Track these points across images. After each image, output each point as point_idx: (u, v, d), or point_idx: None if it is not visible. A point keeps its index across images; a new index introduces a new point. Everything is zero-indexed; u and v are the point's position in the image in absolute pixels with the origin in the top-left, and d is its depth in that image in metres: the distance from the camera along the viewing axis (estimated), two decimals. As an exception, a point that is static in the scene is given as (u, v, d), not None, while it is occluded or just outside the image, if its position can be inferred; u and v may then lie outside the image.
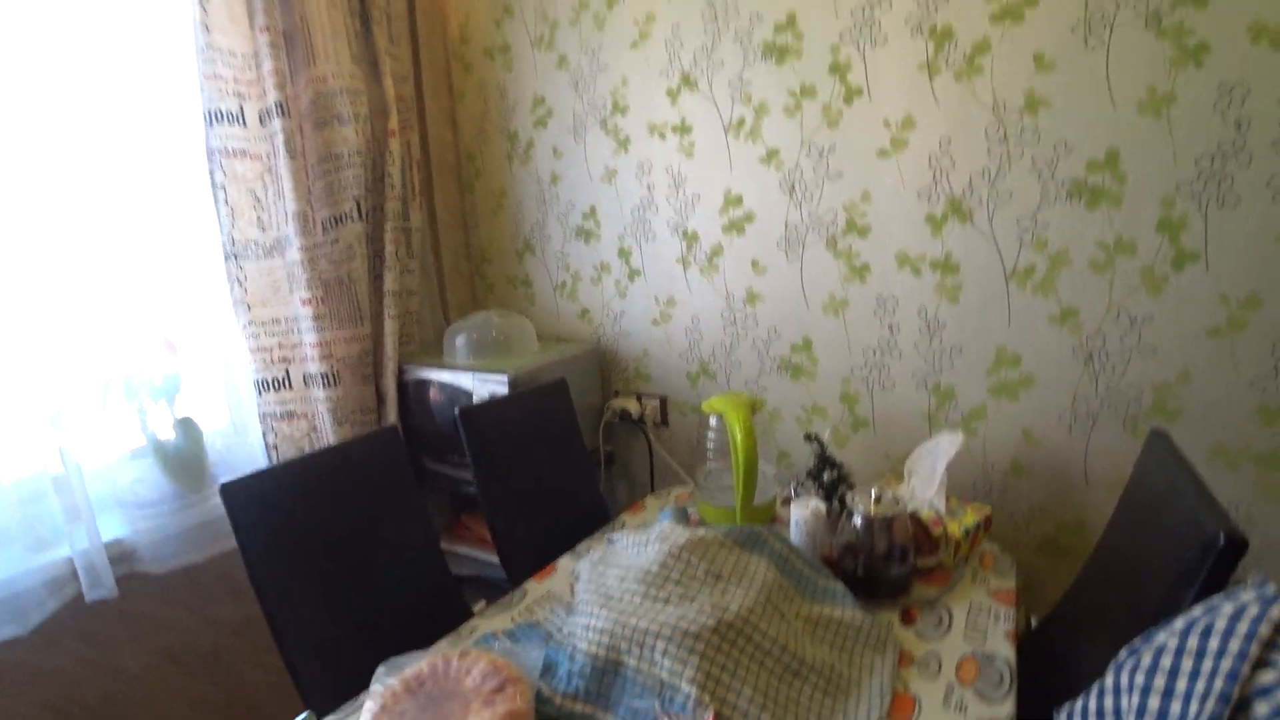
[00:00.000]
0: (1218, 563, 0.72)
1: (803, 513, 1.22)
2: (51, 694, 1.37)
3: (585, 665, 0.93)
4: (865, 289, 1.53)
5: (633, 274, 1.86)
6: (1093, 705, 0.59)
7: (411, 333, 1.94)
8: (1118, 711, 0.55)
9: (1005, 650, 0.98)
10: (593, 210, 1.89)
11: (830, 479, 1.34)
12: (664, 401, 1.89)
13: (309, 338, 1.67)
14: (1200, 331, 1.26)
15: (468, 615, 1.33)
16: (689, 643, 0.90)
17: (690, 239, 1.73)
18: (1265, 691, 0.47)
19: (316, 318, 1.66)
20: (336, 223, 1.74)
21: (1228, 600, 0.54)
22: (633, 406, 1.90)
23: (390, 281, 1.81)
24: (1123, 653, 0.61)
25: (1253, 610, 0.51)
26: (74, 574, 1.34)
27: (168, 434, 1.54)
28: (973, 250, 1.41)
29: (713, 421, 1.41)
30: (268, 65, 1.56)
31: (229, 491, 1.10)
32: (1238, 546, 0.71)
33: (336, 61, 1.67)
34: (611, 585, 1.04)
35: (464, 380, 1.73)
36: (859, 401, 1.60)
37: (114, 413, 1.50)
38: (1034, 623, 1.22)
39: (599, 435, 1.94)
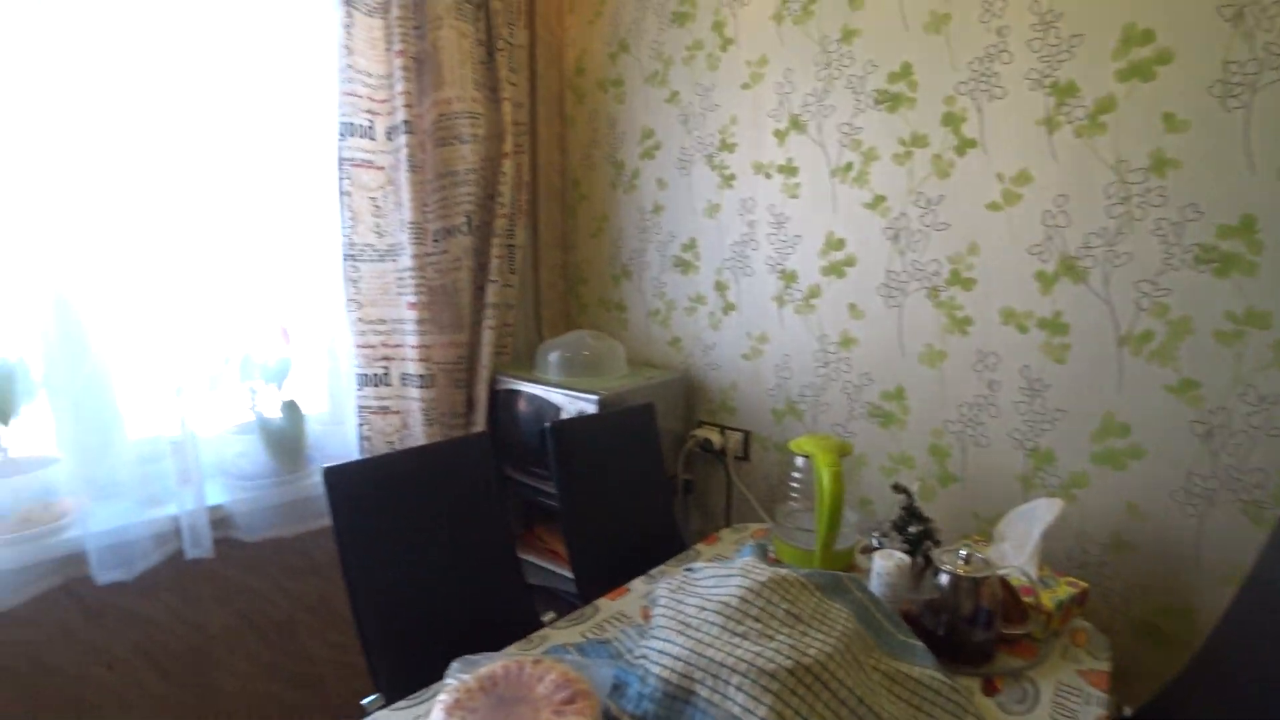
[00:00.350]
0: None
1: (886, 564, 1.22)
2: (142, 638, 1.52)
3: (656, 690, 0.94)
4: (965, 342, 1.51)
5: (728, 307, 1.89)
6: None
7: (506, 344, 2.03)
8: None
9: None
10: (693, 242, 1.94)
11: (916, 533, 1.32)
12: (747, 436, 1.91)
13: (411, 340, 1.78)
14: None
15: (538, 624, 1.38)
16: (764, 681, 0.90)
17: (788, 278, 1.76)
18: None
19: (420, 322, 1.77)
20: (447, 234, 1.86)
21: None
22: (715, 438, 1.92)
23: (491, 294, 1.91)
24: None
25: None
26: (177, 532, 1.49)
27: (274, 414, 1.68)
28: (1084, 311, 1.37)
29: (799, 462, 1.42)
30: (399, 86, 1.70)
31: (332, 475, 1.19)
32: None
33: (461, 86, 1.80)
34: (690, 613, 1.05)
35: (554, 396, 1.80)
36: (950, 456, 1.57)
37: (229, 390, 1.65)
38: (1127, 712, 1.17)
39: (679, 463, 1.97)
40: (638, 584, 1.34)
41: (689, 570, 1.25)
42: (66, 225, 1.35)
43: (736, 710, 0.88)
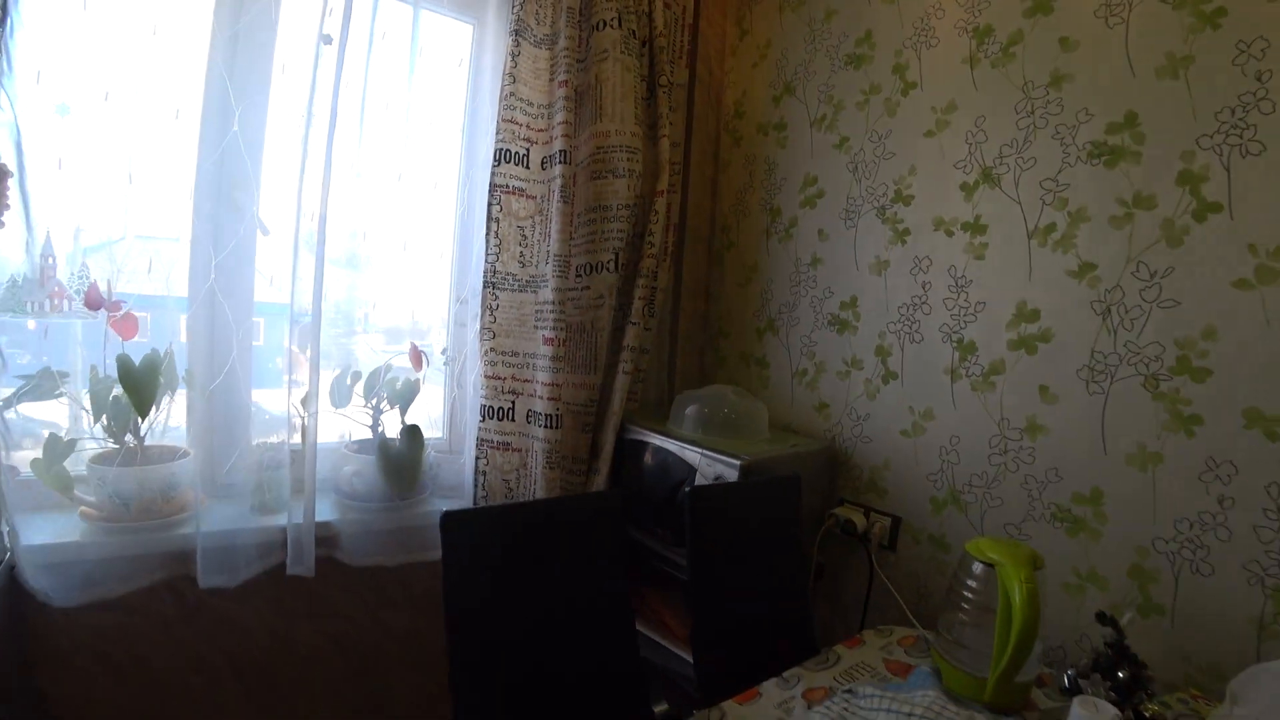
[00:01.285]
0: None
1: (1090, 716, 1.02)
2: (232, 645, 1.55)
3: None
4: (1191, 445, 1.28)
5: (888, 376, 1.74)
6: None
7: (636, 392, 1.98)
8: None
9: None
10: (853, 300, 1.81)
11: (1125, 678, 1.11)
12: (897, 523, 1.73)
13: (542, 376, 1.76)
14: None
15: (648, 712, 1.28)
16: None
17: (965, 349, 1.59)
18: None
19: (554, 358, 1.75)
20: (592, 270, 1.84)
21: None
22: (859, 520, 1.75)
23: (630, 337, 1.87)
24: None
25: None
26: (283, 544, 1.50)
27: (394, 437, 1.69)
28: None
29: (976, 569, 1.25)
30: (559, 116, 1.71)
31: (451, 521, 1.15)
32: None
33: (621, 120, 1.80)
34: None
35: (689, 454, 1.70)
36: (1158, 581, 1.32)
37: (353, 406, 1.68)
38: None
39: (815, 543, 1.82)
40: (770, 687, 1.20)
41: (850, 694, 1.10)
42: (223, 223, 1.44)
43: None
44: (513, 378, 1.79)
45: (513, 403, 1.79)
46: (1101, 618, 1.18)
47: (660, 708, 1.32)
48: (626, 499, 1.37)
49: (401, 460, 1.68)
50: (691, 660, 1.39)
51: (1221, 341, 1.25)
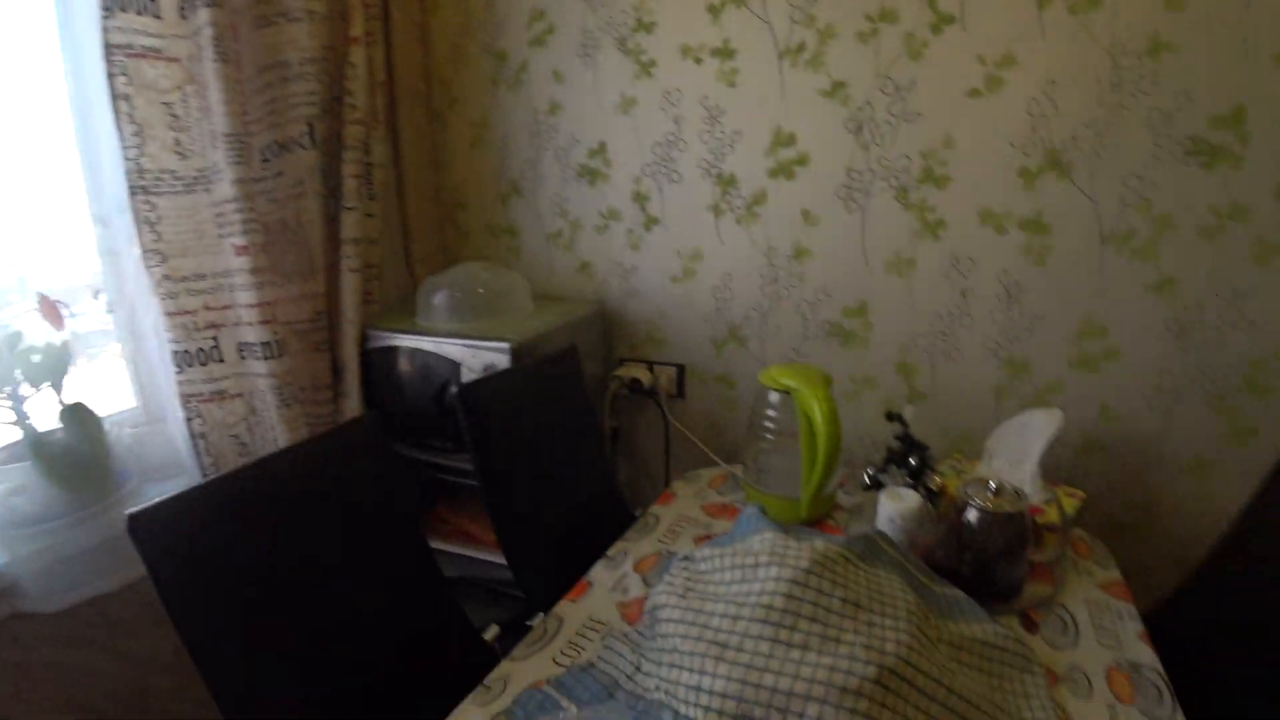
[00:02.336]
0: None
1: (897, 506, 1.14)
2: None
3: None
4: (938, 247, 1.44)
5: (650, 222, 1.69)
6: None
7: (373, 291, 1.71)
8: None
9: (1147, 657, 0.93)
10: (602, 147, 1.69)
11: (916, 464, 1.29)
12: (681, 371, 1.76)
13: (245, 297, 1.41)
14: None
15: (480, 647, 1.18)
16: (849, 702, 0.77)
17: (726, 183, 1.58)
18: None
19: (255, 271, 1.40)
20: (281, 150, 1.46)
21: None
22: (644, 376, 1.76)
23: (350, 227, 1.56)
24: None
25: None
26: None
27: (53, 427, 1.28)
28: (1068, 208, 1.34)
29: (773, 398, 1.31)
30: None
31: (139, 524, 0.80)
32: None
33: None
34: (720, 626, 0.89)
35: (449, 348, 1.52)
36: (918, 373, 1.53)
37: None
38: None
39: (604, 409, 1.80)
40: (599, 573, 1.16)
41: (688, 561, 1.07)
42: None
43: None
44: (205, 307, 1.41)
45: (215, 339, 1.43)
46: (890, 416, 1.32)
47: (490, 633, 1.25)
48: (380, 419, 1.17)
49: (73, 455, 1.26)
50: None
51: (958, 149, 1.38)
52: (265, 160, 1.44)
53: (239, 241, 1.38)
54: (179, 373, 1.39)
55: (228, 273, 1.41)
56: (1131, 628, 1.01)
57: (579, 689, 0.90)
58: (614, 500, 1.53)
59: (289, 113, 1.45)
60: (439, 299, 1.61)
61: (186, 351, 1.39)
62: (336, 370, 1.62)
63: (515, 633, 1.04)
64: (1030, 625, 1.03)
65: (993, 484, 1.06)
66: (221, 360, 1.44)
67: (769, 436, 1.33)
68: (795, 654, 0.83)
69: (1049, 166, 1.33)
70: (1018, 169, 1.35)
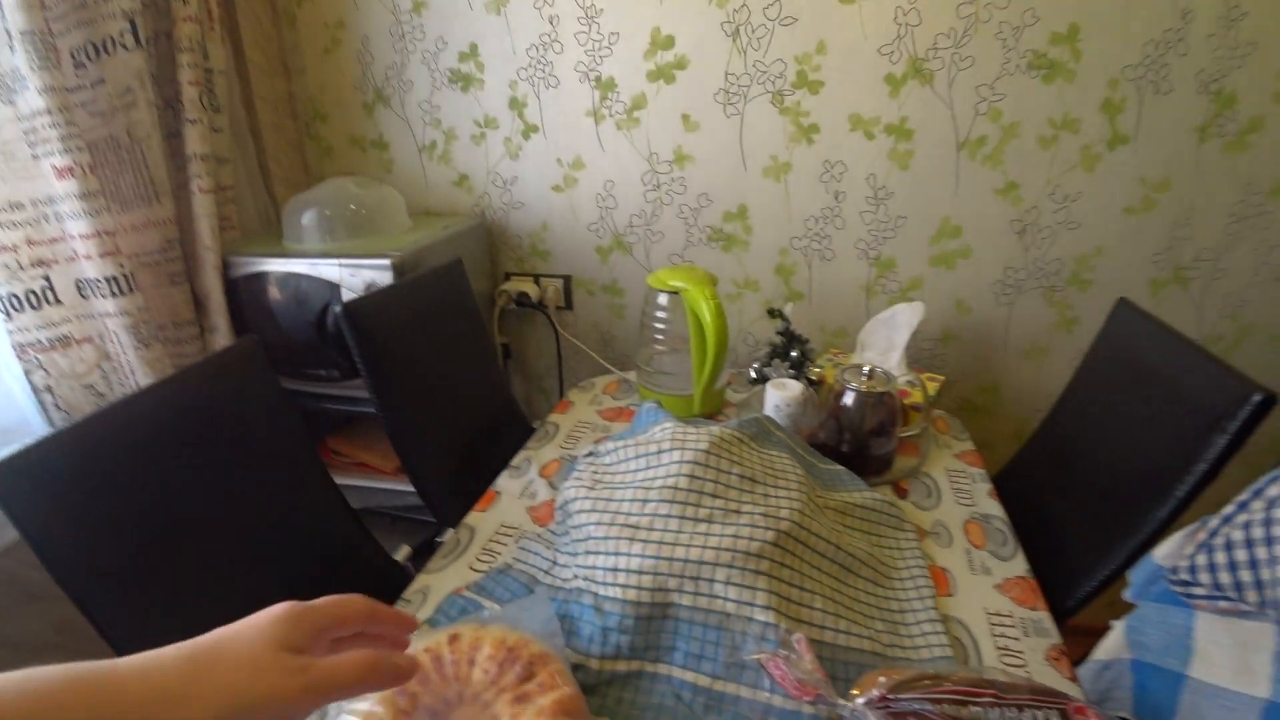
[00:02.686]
0: (1252, 416, 0.86)
1: (783, 394, 1.22)
2: None
3: (625, 618, 0.82)
4: (812, 151, 1.49)
5: (528, 130, 1.64)
6: (1218, 558, 0.71)
7: (230, 215, 1.57)
8: (1253, 563, 0.68)
9: (995, 509, 1.08)
10: (473, 49, 1.60)
11: (798, 356, 1.38)
12: (568, 282, 1.76)
13: (77, 227, 1.26)
14: (1119, 209, 1.45)
15: (396, 570, 1.19)
16: (753, 564, 0.85)
17: (605, 87, 1.55)
18: None
19: (85, 196, 1.25)
20: (99, 51, 1.29)
21: None
22: (531, 289, 1.74)
23: (195, 141, 1.42)
24: (1224, 513, 0.74)
25: None
26: None
27: None
28: (929, 115, 1.42)
29: (662, 300, 1.34)
30: None
31: None
32: (1271, 401, 0.85)
33: None
34: (629, 510, 0.94)
35: (326, 270, 1.44)
36: (795, 273, 1.61)
37: None
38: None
39: (494, 325, 1.78)
40: (505, 482, 1.17)
41: (593, 456, 1.13)
42: None
43: (731, 607, 0.82)
44: (29, 242, 1.25)
45: (47, 278, 1.27)
46: (772, 313, 1.40)
47: (402, 554, 1.25)
48: (259, 342, 1.10)
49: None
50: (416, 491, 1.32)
51: (830, 55, 1.42)
52: (79, 65, 1.26)
53: (59, 162, 1.22)
54: (7, 320, 1.25)
55: (51, 200, 1.25)
56: (983, 488, 1.15)
57: (499, 590, 0.93)
58: (512, 414, 1.54)
59: (102, 6, 1.26)
60: (308, 219, 1.51)
61: (14, 295, 1.24)
62: (199, 303, 1.50)
63: (428, 552, 1.05)
64: (901, 492, 1.15)
65: (866, 370, 1.16)
66: (58, 302, 1.30)
67: (660, 339, 1.38)
68: (702, 527, 0.90)
69: (913, 74, 1.41)
70: (884, 75, 1.42)
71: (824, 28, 1.40)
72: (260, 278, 1.49)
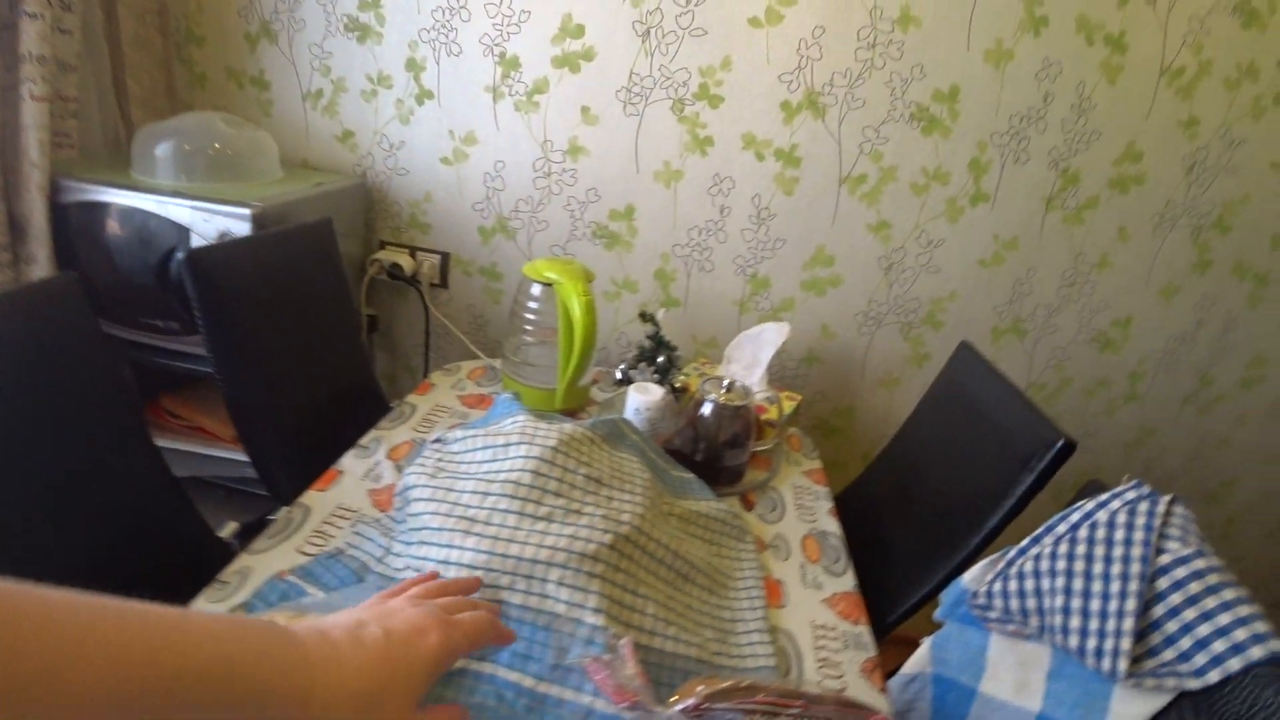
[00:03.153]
0: (1055, 458, 0.95)
1: (644, 398, 1.23)
2: None
3: None
4: (704, 163, 1.51)
5: (423, 95, 1.56)
6: (1010, 587, 0.77)
7: (70, 131, 1.40)
8: (1037, 591, 0.74)
9: (833, 526, 1.13)
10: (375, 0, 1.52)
11: (664, 362, 1.39)
12: (445, 259, 1.69)
13: None
14: (974, 260, 1.56)
15: (217, 545, 1.10)
16: (588, 566, 0.84)
17: (508, 64, 1.50)
18: (1164, 571, 0.67)
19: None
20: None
21: (1116, 499, 0.74)
22: (406, 261, 1.66)
23: (31, 40, 1.26)
24: (1020, 546, 0.80)
25: (1143, 507, 0.71)
26: None
27: None
28: (818, 147, 1.48)
29: (535, 290, 1.31)
30: None
31: None
32: (1070, 448, 0.95)
33: None
34: (469, 503, 0.91)
35: (177, 210, 1.31)
36: (675, 280, 1.62)
37: None
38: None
39: (361, 296, 1.68)
40: (350, 461, 1.10)
41: (439, 443, 1.08)
42: None
43: (561, 608, 0.81)
44: None
45: None
46: (643, 316, 1.41)
47: (227, 530, 1.16)
48: (80, 280, 0.99)
49: None
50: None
51: (734, 72, 1.44)
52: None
53: None
54: None
55: None
56: (825, 505, 1.20)
57: (326, 576, 0.86)
58: (369, 390, 1.47)
59: None
60: (163, 151, 1.37)
61: None
62: (16, 226, 1.33)
63: (258, 530, 0.97)
64: (748, 504, 1.18)
65: (726, 383, 1.19)
66: None
67: (530, 329, 1.35)
68: (540, 525, 0.88)
69: (808, 105, 1.46)
70: (781, 101, 1.46)
71: (731, 45, 1.43)
72: (97, 209, 1.34)
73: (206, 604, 0.80)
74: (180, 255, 1.07)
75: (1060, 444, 0.95)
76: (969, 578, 0.87)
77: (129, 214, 1.34)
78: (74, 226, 1.36)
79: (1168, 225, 1.53)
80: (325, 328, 1.36)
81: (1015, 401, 1.09)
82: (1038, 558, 0.74)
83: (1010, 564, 0.78)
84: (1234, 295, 1.60)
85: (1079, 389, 1.69)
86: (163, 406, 1.58)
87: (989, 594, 0.79)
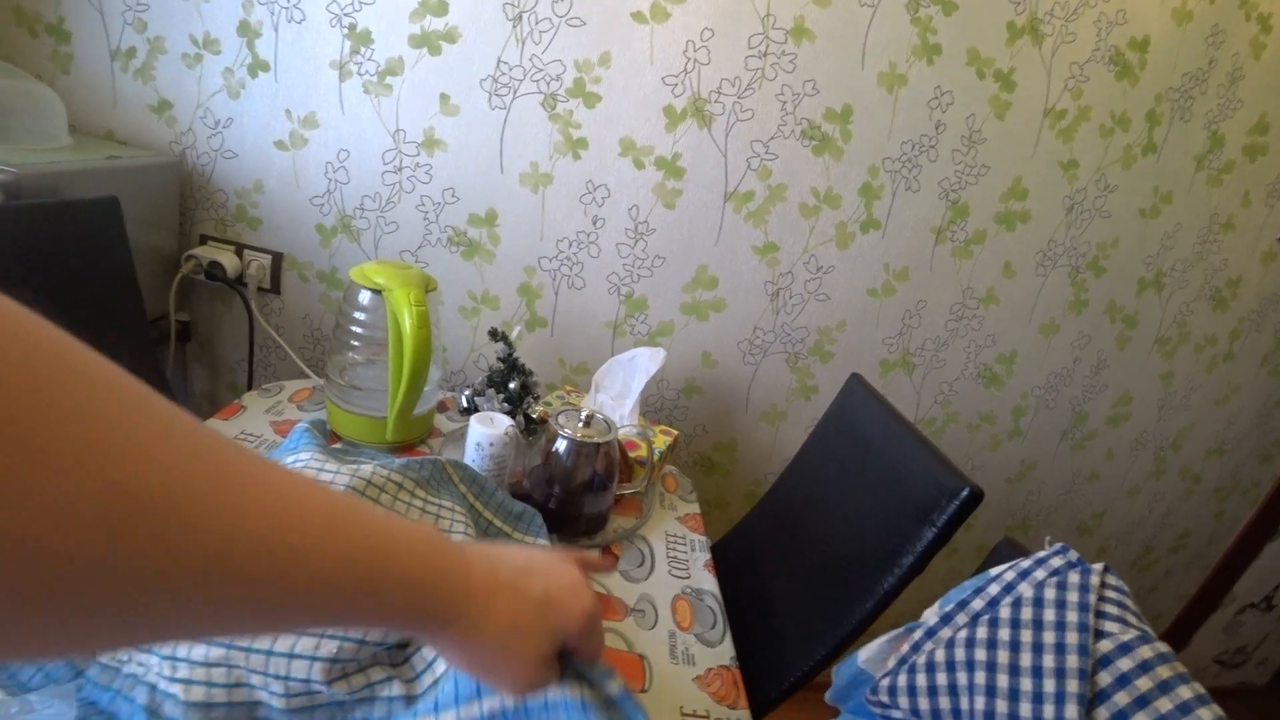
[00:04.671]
0: (959, 510, 0.81)
1: (489, 432, 1.01)
2: None
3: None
4: (577, 168, 1.34)
5: (257, 66, 1.31)
6: (918, 681, 0.60)
7: None
8: (952, 689, 0.57)
9: (710, 584, 0.97)
10: (201, -54, 1.26)
11: (517, 389, 1.19)
12: (278, 259, 1.43)
13: None
14: (863, 289, 1.47)
15: None
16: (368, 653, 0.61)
17: (358, 39, 1.28)
18: (1107, 662, 0.53)
19: None
20: None
21: (1040, 567, 0.60)
22: (230, 261, 1.39)
23: None
24: (927, 624, 0.64)
25: (1074, 579, 0.57)
26: None
27: None
28: (703, 158, 1.34)
29: (364, 298, 1.08)
30: None
31: None
32: (977, 498, 0.81)
33: None
34: None
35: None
36: (541, 297, 1.43)
37: None
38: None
39: (170, 297, 1.39)
40: None
41: None
42: None
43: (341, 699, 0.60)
44: None
45: None
46: (494, 334, 1.21)
47: None
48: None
49: None
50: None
51: (613, 69, 1.29)
52: None
53: None
54: None
55: None
56: (700, 558, 1.04)
57: (29, 672, 0.59)
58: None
59: None
60: (-106, 94, 1.08)
61: None
62: None
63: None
64: (612, 559, 0.99)
65: (583, 415, 1.00)
66: None
67: (358, 345, 1.12)
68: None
69: (693, 112, 1.32)
70: (664, 106, 1.32)
71: (611, 40, 1.27)
72: None
73: None
74: None
75: (965, 493, 0.81)
76: (865, 657, 0.71)
77: None
78: None
79: (1049, 263, 1.50)
80: (102, 332, 1.09)
81: (911, 443, 0.96)
82: (950, 644, 0.58)
83: (916, 649, 0.61)
84: (1105, 335, 1.59)
85: (964, 424, 1.62)
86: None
87: (891, 689, 0.62)
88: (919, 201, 1.41)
